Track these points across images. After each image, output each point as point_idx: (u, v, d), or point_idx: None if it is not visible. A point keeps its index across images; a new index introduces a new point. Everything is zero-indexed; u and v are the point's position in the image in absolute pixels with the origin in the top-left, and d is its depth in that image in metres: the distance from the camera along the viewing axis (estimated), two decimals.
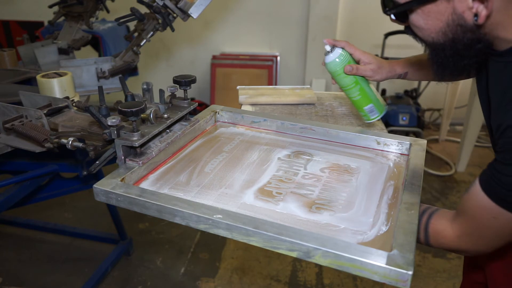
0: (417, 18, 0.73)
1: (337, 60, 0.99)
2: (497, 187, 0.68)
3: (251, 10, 3.57)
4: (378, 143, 1.05)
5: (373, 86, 1.19)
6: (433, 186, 2.85)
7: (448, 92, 3.31)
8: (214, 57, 3.65)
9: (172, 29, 1.66)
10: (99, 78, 1.69)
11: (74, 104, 1.12)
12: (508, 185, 0.66)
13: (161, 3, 1.57)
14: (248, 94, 1.39)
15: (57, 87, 1.34)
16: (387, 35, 3.15)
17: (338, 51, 1.00)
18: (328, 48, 1.00)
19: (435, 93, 3.54)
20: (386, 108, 1.09)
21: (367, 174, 0.95)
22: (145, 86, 1.03)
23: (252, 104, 1.38)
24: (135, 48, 1.74)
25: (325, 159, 1.01)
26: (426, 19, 0.72)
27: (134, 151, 0.90)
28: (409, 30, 0.79)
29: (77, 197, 2.59)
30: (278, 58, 3.62)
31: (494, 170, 0.68)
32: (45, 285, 2.03)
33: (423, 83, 3.32)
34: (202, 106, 3.56)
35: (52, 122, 1.04)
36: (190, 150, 1.03)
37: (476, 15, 0.67)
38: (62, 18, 2.06)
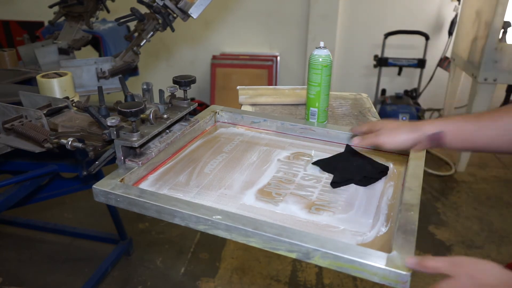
0: None
1: (320, 59, 1.09)
2: None
3: (251, 10, 3.57)
4: None
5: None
6: (433, 186, 2.85)
7: (448, 92, 3.31)
8: (214, 57, 3.64)
9: (172, 29, 1.66)
10: (99, 78, 1.69)
11: (74, 104, 1.12)
12: None
13: (161, 3, 1.57)
14: (248, 94, 1.39)
15: (57, 87, 1.34)
16: (387, 35, 3.14)
17: (326, 51, 1.10)
18: (322, 44, 1.11)
19: (435, 93, 3.54)
20: (325, 123, 1.17)
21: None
22: (145, 86, 1.03)
23: (252, 104, 1.38)
24: (135, 48, 1.74)
25: None
26: None
27: (133, 152, 0.90)
28: None
29: (77, 197, 2.59)
30: (278, 58, 3.62)
31: None
32: (45, 285, 2.03)
33: (423, 83, 3.32)
34: (202, 106, 3.56)
35: (51, 122, 1.04)
36: (190, 150, 1.03)
37: None
38: (62, 18, 2.06)
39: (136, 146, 0.86)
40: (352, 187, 0.90)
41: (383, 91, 3.35)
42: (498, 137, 0.72)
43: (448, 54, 3.27)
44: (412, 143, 0.79)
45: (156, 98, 1.03)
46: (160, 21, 1.67)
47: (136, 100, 0.97)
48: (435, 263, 0.62)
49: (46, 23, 2.20)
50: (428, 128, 0.77)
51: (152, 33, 1.70)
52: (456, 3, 3.20)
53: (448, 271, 0.61)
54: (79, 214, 2.54)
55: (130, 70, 1.90)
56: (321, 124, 1.14)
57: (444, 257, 0.62)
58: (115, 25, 2.16)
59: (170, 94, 1.04)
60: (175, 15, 1.61)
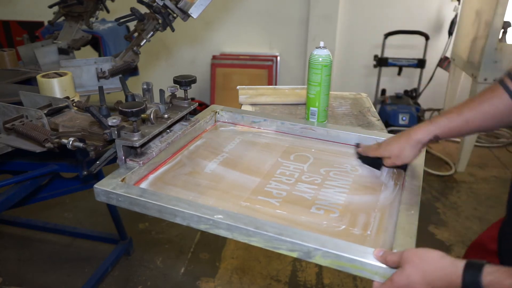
0: None
1: (320, 59, 1.09)
2: None
3: (251, 10, 3.57)
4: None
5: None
6: (433, 186, 2.85)
7: (448, 92, 3.31)
8: (214, 57, 3.64)
9: (172, 29, 1.66)
10: (99, 78, 1.69)
11: (74, 104, 1.12)
12: None
13: (161, 3, 1.57)
14: (248, 94, 1.39)
15: (57, 87, 1.34)
16: (387, 35, 3.15)
17: (326, 51, 1.10)
18: (322, 44, 1.11)
19: (435, 93, 3.55)
20: (326, 123, 1.17)
21: (367, 174, 0.95)
22: (145, 86, 1.03)
23: (252, 104, 1.38)
24: (135, 48, 1.74)
25: (325, 160, 1.01)
26: None
27: (134, 151, 0.90)
28: None
29: (77, 197, 2.59)
30: (278, 58, 3.62)
31: None
32: (45, 285, 2.02)
33: (423, 82, 3.32)
34: (202, 106, 3.56)
35: (52, 122, 1.04)
36: (190, 150, 1.03)
37: None
38: (62, 18, 2.06)
39: (137, 146, 0.86)
40: (352, 186, 0.90)
41: (383, 91, 3.35)
42: (481, 123, 0.83)
43: (448, 54, 3.27)
44: (416, 155, 0.90)
45: (156, 98, 1.03)
46: (160, 21, 1.67)
47: (136, 100, 0.97)
48: (393, 257, 0.64)
49: (46, 23, 2.19)
50: (421, 137, 0.86)
51: (152, 33, 1.70)
52: (456, 3, 3.20)
53: (398, 263, 0.64)
54: (79, 214, 2.54)
55: (130, 70, 1.90)
56: (321, 123, 1.14)
57: (400, 251, 0.65)
58: (114, 25, 2.16)
59: (170, 94, 1.05)
60: (175, 15, 1.61)
